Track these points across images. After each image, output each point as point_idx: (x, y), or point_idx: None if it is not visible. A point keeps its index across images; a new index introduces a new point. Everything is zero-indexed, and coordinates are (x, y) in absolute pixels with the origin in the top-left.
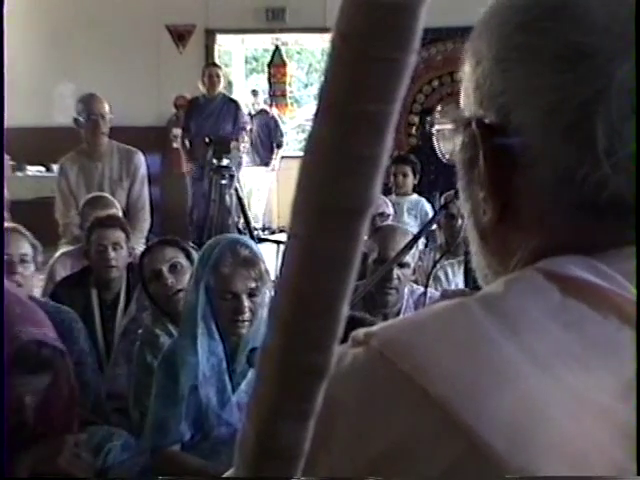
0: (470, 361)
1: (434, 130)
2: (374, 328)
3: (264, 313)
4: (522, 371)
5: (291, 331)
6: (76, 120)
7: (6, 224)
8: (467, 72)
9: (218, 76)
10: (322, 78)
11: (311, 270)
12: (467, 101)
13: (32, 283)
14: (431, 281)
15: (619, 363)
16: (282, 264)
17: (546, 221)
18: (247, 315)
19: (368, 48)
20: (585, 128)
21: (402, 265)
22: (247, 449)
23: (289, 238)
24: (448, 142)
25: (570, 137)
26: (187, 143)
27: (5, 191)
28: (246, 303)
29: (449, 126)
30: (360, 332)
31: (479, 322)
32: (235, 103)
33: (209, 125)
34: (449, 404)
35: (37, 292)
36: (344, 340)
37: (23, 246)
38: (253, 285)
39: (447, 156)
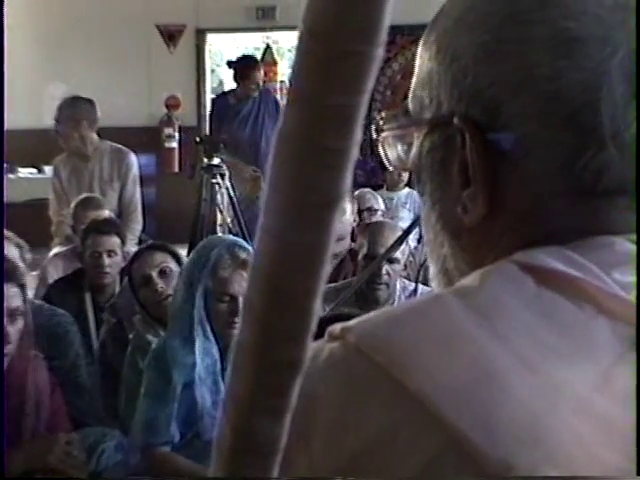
0: (447, 354)
1: (380, 137)
2: (350, 322)
3: None
4: (499, 363)
5: (265, 325)
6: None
7: None
8: (436, 70)
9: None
10: (291, 72)
11: (283, 264)
12: (430, 102)
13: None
14: (426, 277)
15: (595, 353)
16: (254, 257)
17: (534, 212)
18: None
19: (335, 41)
20: (589, 114)
21: (391, 261)
22: (224, 445)
23: (260, 231)
24: (392, 149)
25: (572, 124)
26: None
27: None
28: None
29: (398, 132)
30: (336, 327)
31: (456, 315)
32: (276, 101)
33: (247, 133)
34: (427, 398)
35: (30, 293)
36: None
37: (7, 249)
38: None
39: (394, 163)
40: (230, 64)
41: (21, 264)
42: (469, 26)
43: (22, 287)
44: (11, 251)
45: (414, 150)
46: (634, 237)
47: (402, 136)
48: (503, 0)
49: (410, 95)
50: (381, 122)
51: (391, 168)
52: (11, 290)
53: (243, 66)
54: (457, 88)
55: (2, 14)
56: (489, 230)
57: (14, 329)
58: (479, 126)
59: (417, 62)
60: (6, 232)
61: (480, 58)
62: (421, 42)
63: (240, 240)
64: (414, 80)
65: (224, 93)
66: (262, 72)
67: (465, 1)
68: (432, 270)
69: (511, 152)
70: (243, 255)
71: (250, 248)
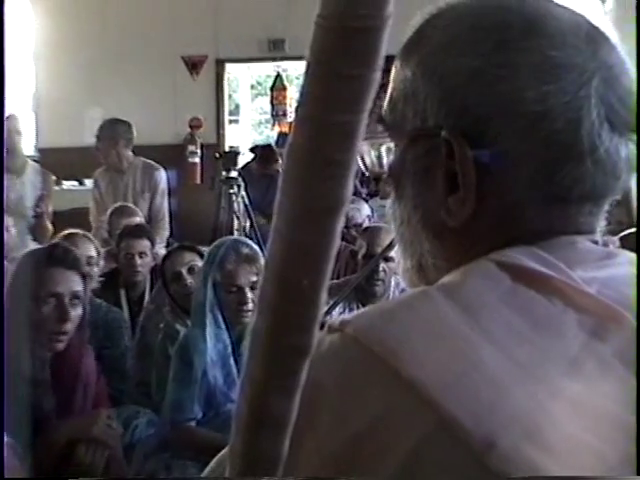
0: (435, 344)
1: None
2: (348, 316)
3: None
4: (481, 351)
5: (277, 314)
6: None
7: (75, 230)
8: (422, 88)
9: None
10: (299, 94)
11: (292, 260)
12: (413, 115)
13: (94, 282)
14: None
15: (564, 342)
16: (268, 255)
17: (513, 216)
18: (250, 305)
19: (338, 66)
20: (570, 132)
21: (387, 259)
22: (241, 420)
23: (273, 232)
24: (367, 156)
25: (554, 141)
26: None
27: (50, 205)
28: (249, 295)
29: (377, 140)
30: (335, 320)
31: (442, 309)
32: None
33: (268, 201)
34: (419, 383)
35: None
36: None
37: (90, 249)
38: (254, 279)
39: (370, 168)
40: (252, 150)
41: (95, 265)
42: (458, 51)
43: (84, 276)
44: (90, 250)
45: (394, 157)
46: (595, 237)
47: (374, 144)
48: (490, 29)
49: (387, 108)
50: None
51: (367, 173)
52: (73, 276)
53: (262, 154)
54: (445, 105)
55: (2, 14)
56: (470, 231)
57: (75, 312)
58: (468, 139)
59: (396, 80)
60: (90, 236)
61: (470, 80)
62: (399, 63)
63: (242, 238)
64: (392, 95)
65: (247, 164)
66: (280, 159)
67: (449, 28)
68: (404, 265)
69: (495, 163)
70: (245, 250)
71: (252, 244)
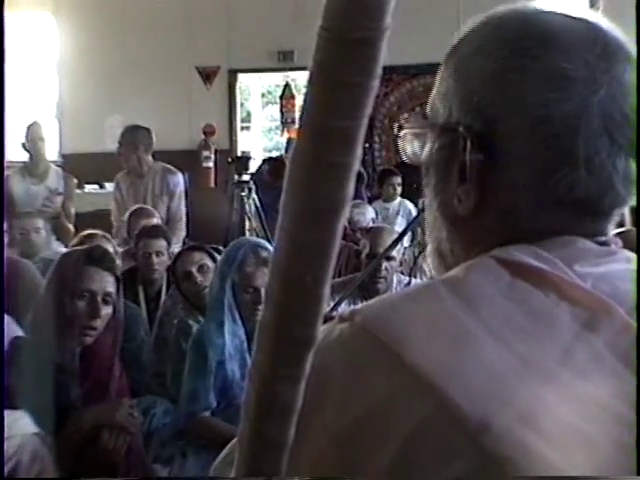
0: (437, 332)
1: (401, 134)
2: (357, 307)
3: None
4: (480, 340)
5: (282, 308)
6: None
7: (94, 231)
8: (452, 86)
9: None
10: (304, 101)
11: (296, 257)
12: (443, 111)
13: None
14: (417, 272)
15: (557, 333)
16: (273, 252)
17: (513, 215)
18: None
19: (339, 75)
20: (568, 138)
21: (389, 258)
22: (249, 407)
23: (279, 231)
24: (409, 145)
25: (552, 145)
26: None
27: (72, 207)
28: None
29: (416, 131)
30: (345, 310)
31: (445, 301)
32: None
33: (276, 210)
34: (420, 369)
35: None
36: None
37: (108, 247)
38: None
39: (410, 156)
40: (264, 161)
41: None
42: (482, 55)
43: (117, 279)
44: (111, 249)
45: (427, 148)
46: (600, 239)
47: (418, 135)
48: (511, 38)
49: (429, 102)
50: (403, 121)
51: (407, 160)
52: (108, 277)
53: (275, 167)
54: (465, 103)
55: (2, 16)
56: (478, 224)
57: (105, 311)
58: (478, 136)
59: (438, 77)
60: (109, 236)
61: (486, 82)
62: (443, 64)
63: (263, 242)
64: (434, 91)
65: (259, 169)
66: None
67: (481, 35)
68: (429, 248)
69: (500, 161)
70: (264, 254)
71: (270, 248)
